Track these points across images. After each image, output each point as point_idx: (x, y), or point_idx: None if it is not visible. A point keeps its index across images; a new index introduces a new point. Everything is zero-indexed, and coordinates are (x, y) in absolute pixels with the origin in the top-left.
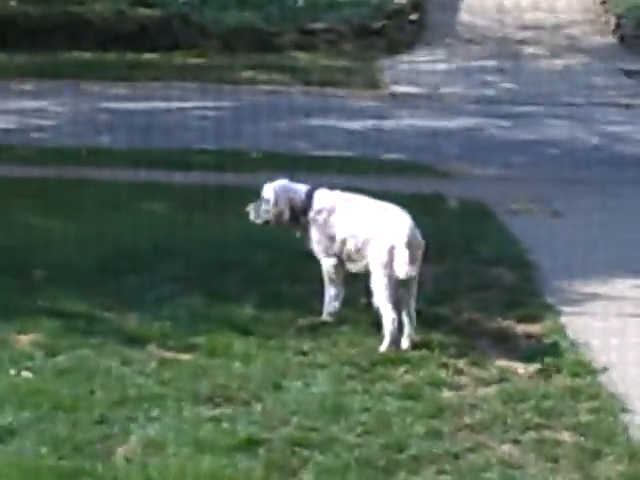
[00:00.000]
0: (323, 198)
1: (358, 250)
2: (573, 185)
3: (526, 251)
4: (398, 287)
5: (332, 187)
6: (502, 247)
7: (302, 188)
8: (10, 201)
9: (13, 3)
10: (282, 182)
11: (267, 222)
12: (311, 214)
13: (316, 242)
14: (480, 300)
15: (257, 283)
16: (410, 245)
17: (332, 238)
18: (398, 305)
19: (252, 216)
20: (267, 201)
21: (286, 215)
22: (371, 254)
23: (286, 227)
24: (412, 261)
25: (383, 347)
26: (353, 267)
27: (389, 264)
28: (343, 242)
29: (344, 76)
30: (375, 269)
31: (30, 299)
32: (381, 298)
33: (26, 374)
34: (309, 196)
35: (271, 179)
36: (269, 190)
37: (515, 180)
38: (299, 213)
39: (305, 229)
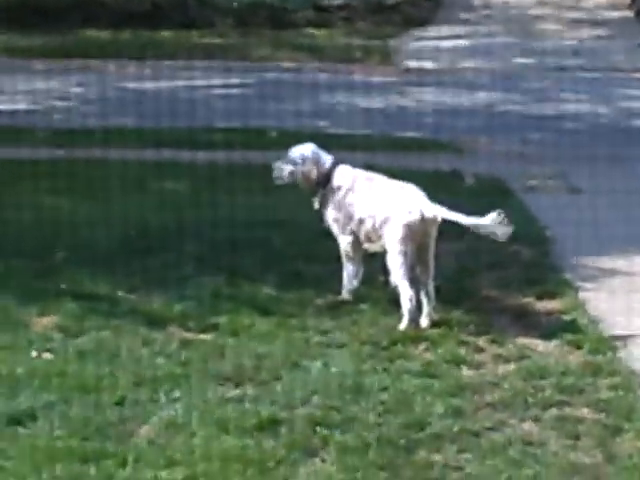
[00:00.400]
0: (344, 174)
1: (375, 230)
2: (591, 161)
3: (544, 228)
4: (415, 265)
5: (351, 164)
6: (520, 224)
7: (328, 159)
8: (31, 183)
9: None
10: (311, 145)
11: (289, 184)
12: (330, 188)
13: (333, 219)
14: (499, 277)
15: (277, 262)
16: (424, 221)
17: (350, 217)
18: (415, 283)
19: (275, 175)
20: (294, 161)
21: (313, 177)
22: (386, 232)
23: (307, 191)
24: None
25: (402, 325)
26: (371, 247)
27: (404, 241)
28: (361, 221)
29: (360, 53)
30: (391, 247)
31: (51, 281)
32: (398, 276)
33: (47, 356)
34: (331, 169)
35: None
36: (298, 151)
37: (533, 156)
38: (319, 183)
39: (322, 203)
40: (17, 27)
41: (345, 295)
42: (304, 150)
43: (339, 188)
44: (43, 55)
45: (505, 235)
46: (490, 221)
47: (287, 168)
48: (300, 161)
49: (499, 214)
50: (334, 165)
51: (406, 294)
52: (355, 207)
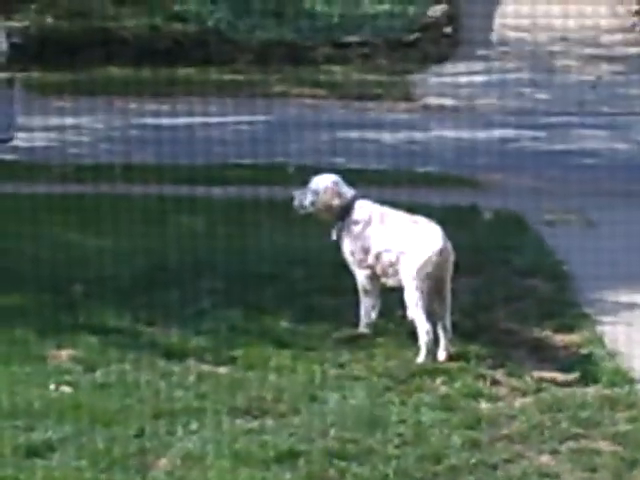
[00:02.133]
0: (362, 208)
1: (392, 264)
2: (608, 196)
3: (561, 262)
4: (432, 299)
5: (369, 199)
6: (537, 258)
7: (349, 192)
8: (49, 217)
9: (49, 20)
10: (333, 176)
11: (308, 215)
12: (348, 221)
13: (350, 252)
14: (516, 311)
15: (294, 296)
16: (440, 256)
17: (366, 251)
18: (432, 317)
19: (296, 204)
20: (315, 191)
21: (334, 207)
22: (403, 267)
23: (325, 222)
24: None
25: (419, 359)
26: (389, 281)
27: (420, 276)
28: (378, 256)
29: (378, 89)
30: (407, 282)
31: (69, 314)
32: (415, 310)
33: (65, 389)
34: (351, 202)
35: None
36: (320, 182)
37: (550, 191)
38: (338, 214)
39: (339, 235)
40: (39, 63)
41: (363, 328)
42: (326, 180)
43: (357, 222)
44: (65, 91)
45: None
46: None
47: (308, 197)
48: (321, 191)
49: None
50: (354, 198)
51: (423, 328)
52: (372, 241)
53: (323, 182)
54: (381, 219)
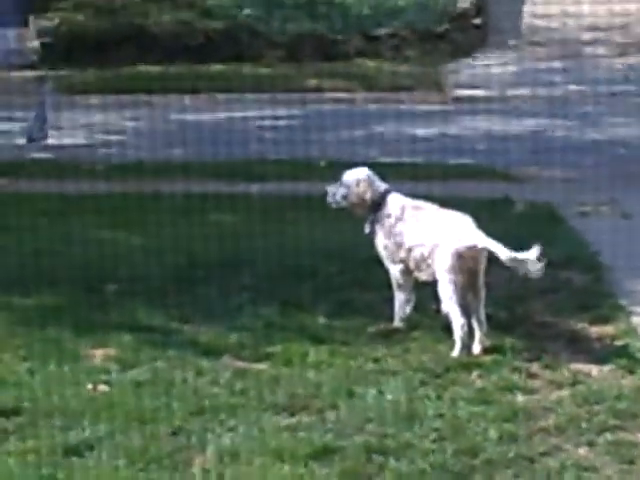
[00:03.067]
0: (395, 202)
1: (425, 259)
2: None
3: (596, 253)
4: (466, 293)
5: (401, 192)
6: (572, 249)
7: (381, 185)
8: (81, 217)
9: (79, 17)
10: (365, 169)
11: (342, 209)
12: (380, 215)
13: (382, 248)
14: (552, 303)
15: (328, 291)
16: (473, 249)
17: (399, 245)
18: (467, 310)
19: (329, 199)
20: (348, 186)
21: (367, 200)
22: (436, 260)
23: (359, 216)
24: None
25: (455, 352)
26: (421, 275)
27: (454, 270)
28: (410, 250)
29: (409, 81)
30: (441, 275)
31: (104, 313)
32: (449, 304)
33: (103, 388)
34: (384, 195)
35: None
36: (353, 175)
37: (584, 181)
38: (371, 208)
39: (372, 228)
40: (70, 62)
41: (397, 323)
42: (359, 174)
43: (389, 216)
44: (96, 90)
45: (538, 272)
46: (529, 256)
47: (341, 191)
48: (354, 184)
49: (539, 249)
50: (387, 192)
51: (458, 322)
52: (404, 236)
53: (355, 176)
54: (414, 213)
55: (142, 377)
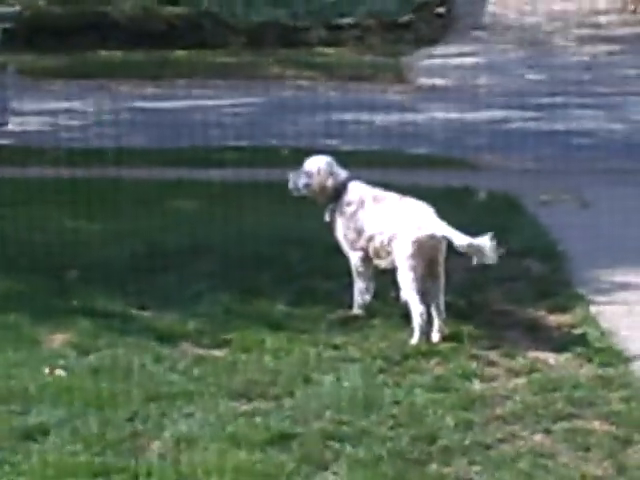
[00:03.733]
0: (355, 190)
1: (384, 247)
2: (603, 175)
3: (556, 242)
4: (425, 281)
5: (363, 181)
6: (532, 238)
7: (342, 173)
8: (42, 202)
9: (41, 3)
10: (326, 157)
11: (303, 196)
12: (340, 203)
13: (342, 235)
14: (510, 291)
15: (289, 279)
16: (432, 238)
17: (359, 233)
18: (426, 298)
19: (291, 186)
20: (309, 174)
21: (328, 188)
22: (396, 248)
23: (320, 204)
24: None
25: (413, 340)
26: (381, 263)
27: (413, 257)
28: (370, 238)
29: (372, 70)
30: (400, 264)
31: (64, 299)
32: (408, 292)
33: (60, 372)
34: (344, 183)
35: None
36: (314, 163)
37: (545, 171)
38: (331, 196)
39: (332, 217)
40: (32, 48)
41: (357, 310)
42: (319, 162)
43: (349, 204)
44: (58, 75)
45: (493, 259)
46: (484, 242)
47: (302, 179)
48: (315, 172)
49: (492, 236)
50: (348, 179)
51: (417, 309)
52: (364, 224)
53: (316, 163)
54: (374, 200)
55: (100, 363)
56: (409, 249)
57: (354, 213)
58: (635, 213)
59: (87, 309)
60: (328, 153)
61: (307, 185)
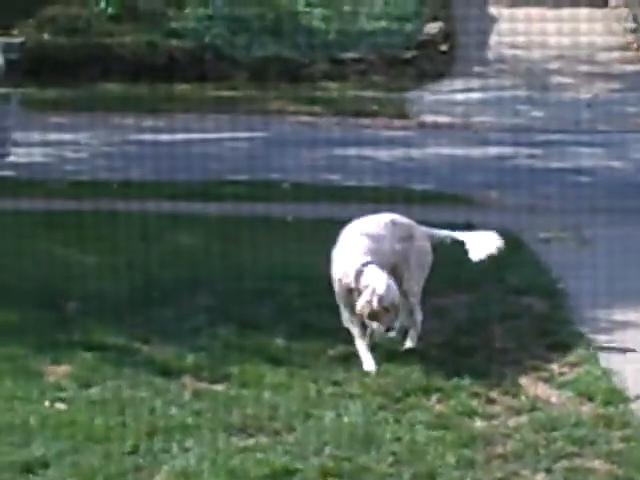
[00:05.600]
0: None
1: None
2: (604, 214)
3: (557, 280)
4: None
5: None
6: (533, 276)
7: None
8: (43, 234)
9: (46, 36)
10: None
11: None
12: None
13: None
14: (512, 329)
15: (288, 313)
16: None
17: None
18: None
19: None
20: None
21: None
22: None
23: None
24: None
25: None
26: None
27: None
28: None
29: (374, 106)
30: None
31: (65, 331)
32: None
33: (59, 405)
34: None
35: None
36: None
37: (546, 209)
38: None
39: None
40: (35, 80)
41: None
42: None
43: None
44: (60, 108)
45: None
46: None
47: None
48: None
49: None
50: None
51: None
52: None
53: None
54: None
55: (99, 396)
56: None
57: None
58: (634, 253)
59: (87, 342)
60: (329, 189)
61: None
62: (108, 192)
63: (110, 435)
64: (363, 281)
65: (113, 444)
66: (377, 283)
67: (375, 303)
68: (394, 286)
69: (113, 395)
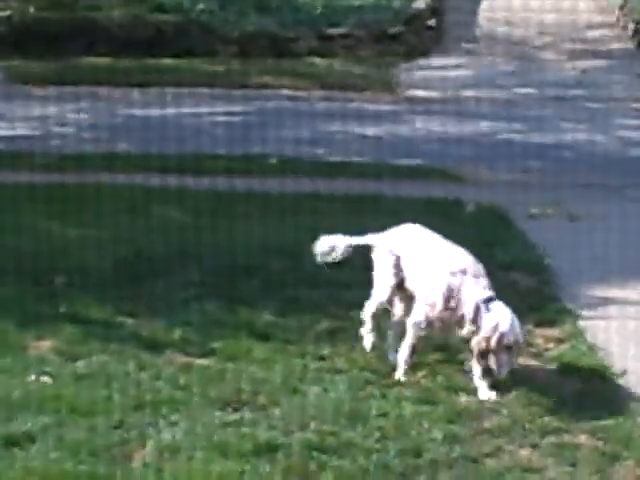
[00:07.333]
0: None
1: None
2: (590, 189)
3: (544, 255)
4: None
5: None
6: (520, 252)
7: None
8: (29, 207)
9: (31, 10)
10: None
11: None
12: None
13: None
14: None
15: (274, 289)
16: None
17: None
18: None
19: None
20: None
21: None
22: None
23: None
24: None
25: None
26: None
27: None
28: None
29: (361, 81)
30: None
31: (50, 305)
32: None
33: (45, 379)
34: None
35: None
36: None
37: (532, 184)
38: None
39: None
40: (21, 53)
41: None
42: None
43: None
44: (44, 82)
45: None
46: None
47: None
48: None
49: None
50: None
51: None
52: None
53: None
54: None
55: (87, 370)
56: None
57: None
58: (620, 228)
59: (73, 316)
60: (316, 164)
61: None
62: (93, 166)
63: (95, 409)
64: (485, 317)
65: (99, 418)
66: (502, 319)
67: (494, 341)
68: (518, 323)
69: (98, 369)
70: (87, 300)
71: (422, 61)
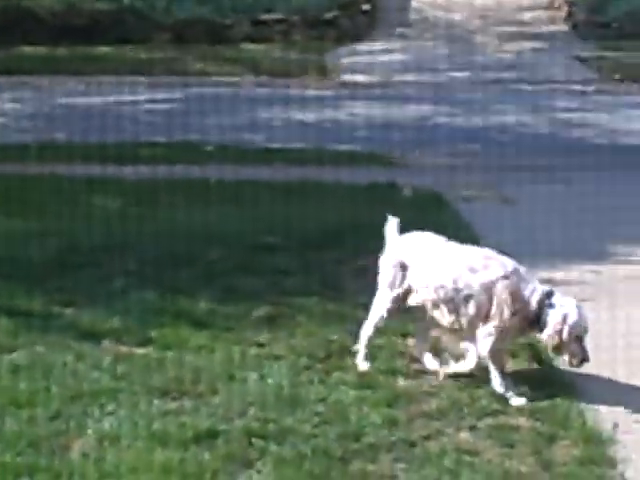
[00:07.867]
0: None
1: None
2: (524, 171)
3: (479, 237)
4: None
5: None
6: (455, 234)
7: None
8: None
9: None
10: None
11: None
12: None
13: None
14: None
15: (212, 277)
16: None
17: None
18: None
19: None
20: None
21: None
22: None
23: None
24: None
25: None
26: None
27: None
28: None
29: (296, 67)
30: None
31: None
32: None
33: None
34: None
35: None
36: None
37: (467, 167)
38: None
39: None
40: None
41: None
42: None
43: None
44: None
45: None
46: None
47: None
48: None
49: None
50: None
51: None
52: None
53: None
54: None
55: (20, 361)
56: None
57: None
58: (554, 209)
59: (7, 307)
60: (252, 150)
61: None
62: (27, 155)
63: (32, 400)
64: (550, 312)
65: (35, 409)
66: (568, 311)
67: (565, 334)
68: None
69: (34, 360)
70: (20, 291)
71: (357, 46)
